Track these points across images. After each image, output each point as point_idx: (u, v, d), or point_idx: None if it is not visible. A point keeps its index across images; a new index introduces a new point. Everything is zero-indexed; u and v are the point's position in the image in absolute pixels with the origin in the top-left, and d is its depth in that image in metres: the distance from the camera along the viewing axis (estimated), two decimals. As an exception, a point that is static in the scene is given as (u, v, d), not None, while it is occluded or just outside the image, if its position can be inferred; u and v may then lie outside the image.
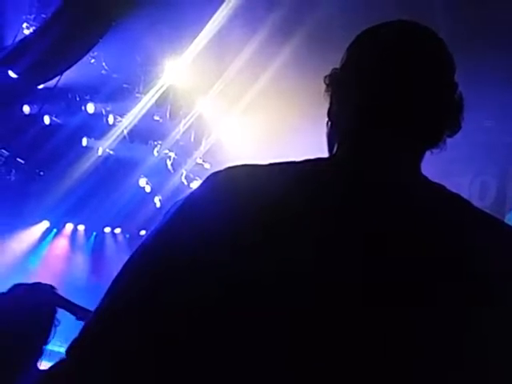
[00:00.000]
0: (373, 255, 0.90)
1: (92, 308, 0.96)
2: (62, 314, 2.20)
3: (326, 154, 1.11)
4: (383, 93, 1.03)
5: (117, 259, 10.23)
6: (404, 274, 0.90)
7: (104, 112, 8.09)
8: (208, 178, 1.01)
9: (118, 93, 7.68)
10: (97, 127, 8.29)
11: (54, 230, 10.77)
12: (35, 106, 7.79)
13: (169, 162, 8.81)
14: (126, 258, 0.98)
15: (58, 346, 2.28)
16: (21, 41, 6.28)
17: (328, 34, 5.16)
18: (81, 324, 0.94)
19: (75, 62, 6.34)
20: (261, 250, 0.90)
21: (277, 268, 0.89)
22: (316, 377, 0.85)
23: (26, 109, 7.68)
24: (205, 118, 8.01)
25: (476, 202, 1.01)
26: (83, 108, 7.90)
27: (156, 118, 8.10)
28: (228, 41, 6.23)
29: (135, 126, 8.10)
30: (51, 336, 2.12)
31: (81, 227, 10.86)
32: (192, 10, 5.84)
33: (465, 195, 1.02)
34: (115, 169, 8.96)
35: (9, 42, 6.51)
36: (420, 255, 0.91)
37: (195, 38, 6.39)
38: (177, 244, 0.94)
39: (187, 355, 0.89)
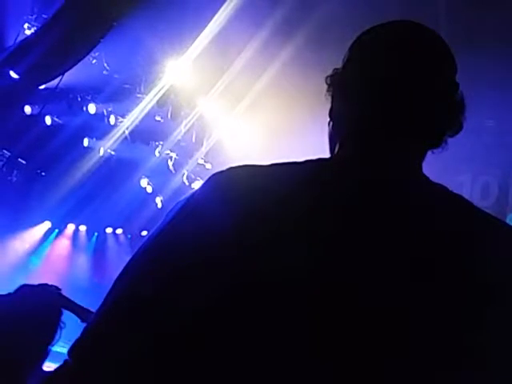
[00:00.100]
0: (379, 254, 0.91)
1: (94, 308, 0.96)
2: (64, 315, 2.19)
3: (327, 154, 1.11)
4: (384, 93, 1.03)
5: (118, 260, 10.24)
6: (405, 274, 0.90)
7: (105, 112, 8.10)
8: (210, 178, 1.02)
9: (120, 93, 7.69)
10: (98, 127, 8.30)
11: (56, 231, 10.78)
12: (37, 107, 7.80)
13: (170, 163, 8.81)
14: (127, 258, 0.98)
15: (60, 347, 2.28)
16: (22, 41, 6.29)
17: (329, 35, 5.17)
18: (83, 325, 0.94)
19: (76, 63, 6.35)
20: (265, 249, 0.91)
21: (282, 266, 0.89)
22: (331, 373, 0.86)
23: (28, 109, 7.69)
24: (206, 118, 8.01)
25: (478, 203, 1.01)
26: (85, 108, 7.91)
27: (157, 118, 8.11)
28: (229, 41, 6.23)
29: (136, 126, 8.10)
30: (57, 338, 2.12)
31: (82, 227, 10.86)
32: (193, 11, 5.85)
33: (466, 195, 1.02)
34: (117, 169, 8.97)
35: (10, 42, 6.52)
36: (420, 255, 0.92)
37: (196, 38, 6.40)
38: (179, 244, 0.94)
39: (191, 355, 0.89)
